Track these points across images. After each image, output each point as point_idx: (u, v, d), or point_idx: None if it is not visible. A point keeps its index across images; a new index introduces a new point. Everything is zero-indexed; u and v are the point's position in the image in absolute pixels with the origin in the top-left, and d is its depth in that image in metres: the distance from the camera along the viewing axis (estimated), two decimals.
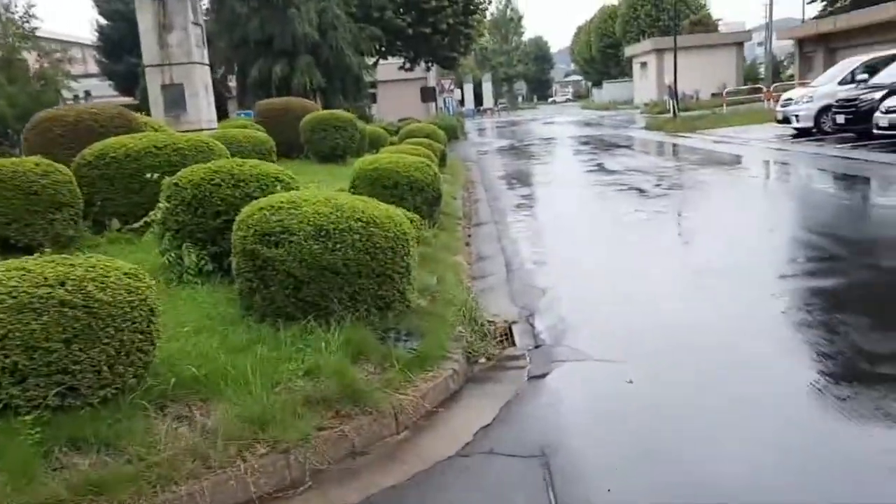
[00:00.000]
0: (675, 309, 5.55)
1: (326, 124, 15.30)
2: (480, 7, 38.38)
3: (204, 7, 28.07)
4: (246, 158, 7.66)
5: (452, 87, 46.98)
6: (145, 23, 17.11)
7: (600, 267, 7.21)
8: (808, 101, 18.36)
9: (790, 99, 19.39)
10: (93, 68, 39.50)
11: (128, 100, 29.63)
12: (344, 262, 4.45)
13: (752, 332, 4.90)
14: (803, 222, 8.74)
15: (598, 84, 71.84)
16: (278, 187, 5.44)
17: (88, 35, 38.45)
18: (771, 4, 39.77)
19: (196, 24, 17.53)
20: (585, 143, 23.69)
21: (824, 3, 39.36)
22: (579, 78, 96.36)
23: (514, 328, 5.45)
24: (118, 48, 34.06)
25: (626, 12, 62.45)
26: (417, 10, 34.48)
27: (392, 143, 15.88)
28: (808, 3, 41.74)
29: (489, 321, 5.61)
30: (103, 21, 36.05)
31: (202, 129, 14.66)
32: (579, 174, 15.51)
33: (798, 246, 7.49)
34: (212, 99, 17.99)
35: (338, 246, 4.45)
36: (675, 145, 20.39)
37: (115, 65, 35.25)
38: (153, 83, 17.36)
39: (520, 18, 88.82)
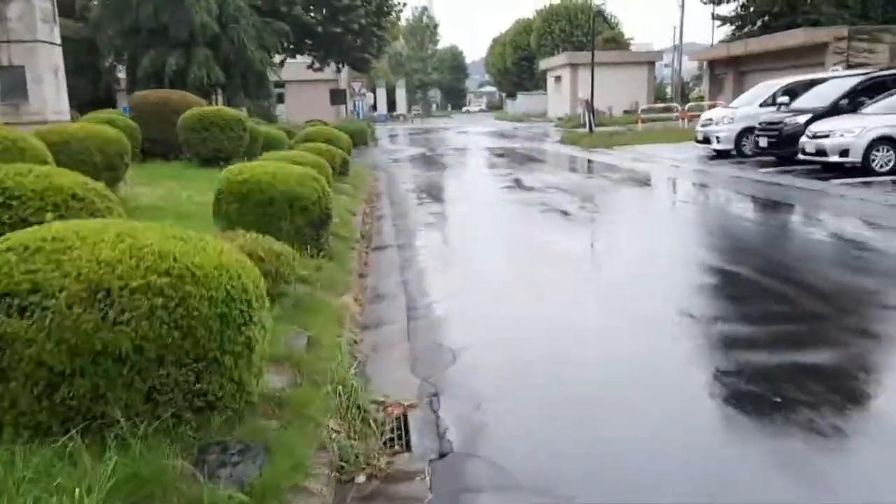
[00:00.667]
0: (632, 387, 4.14)
1: (209, 123, 13.22)
2: (395, 9, 36.99)
3: None
4: (87, 160, 5.86)
5: (364, 90, 45.23)
6: None
7: (528, 318, 5.70)
8: (729, 123, 17.84)
9: (710, 119, 18.86)
10: None
11: None
12: (135, 341, 2.76)
13: (712, 418, 3.57)
14: (761, 263, 7.62)
15: (512, 95, 71.74)
16: (48, 214, 3.63)
17: None
18: (681, 27, 40.46)
19: None
20: (501, 156, 22.52)
21: (733, 27, 40.15)
22: (493, 89, 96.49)
23: (412, 417, 3.91)
24: None
25: (541, 26, 62.77)
26: (328, 8, 32.77)
27: (292, 148, 14.05)
28: (717, 27, 42.66)
29: (377, 402, 4.06)
30: None
31: (47, 122, 12.30)
32: (496, 190, 14.19)
33: (756, 292, 6.32)
34: (63, 86, 15.29)
35: (125, 315, 2.75)
36: (593, 162, 19.47)
37: None
38: None
39: (435, 26, 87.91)
